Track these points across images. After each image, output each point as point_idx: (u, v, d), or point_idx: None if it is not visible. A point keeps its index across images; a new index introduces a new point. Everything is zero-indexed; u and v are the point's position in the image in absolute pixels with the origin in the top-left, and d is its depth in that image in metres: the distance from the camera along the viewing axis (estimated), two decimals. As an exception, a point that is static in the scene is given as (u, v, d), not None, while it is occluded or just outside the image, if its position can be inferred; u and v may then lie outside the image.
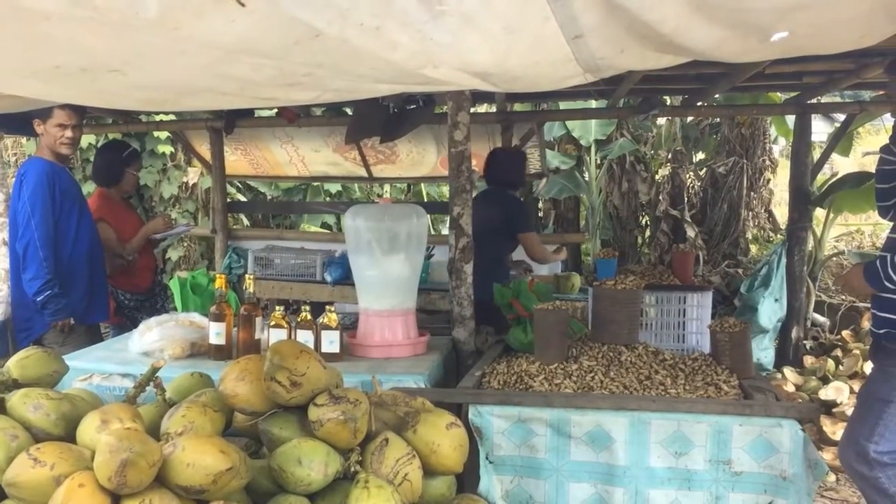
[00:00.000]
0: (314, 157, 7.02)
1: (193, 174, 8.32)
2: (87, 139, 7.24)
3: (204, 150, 6.65)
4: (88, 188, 5.98)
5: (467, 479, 2.60)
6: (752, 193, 8.01)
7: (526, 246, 4.60)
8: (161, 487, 1.87)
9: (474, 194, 3.63)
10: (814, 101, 5.57)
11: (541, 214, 9.09)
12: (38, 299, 3.69)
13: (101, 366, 3.01)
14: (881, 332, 2.80)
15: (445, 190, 10.20)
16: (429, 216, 4.97)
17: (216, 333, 3.07)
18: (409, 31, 1.32)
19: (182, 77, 1.77)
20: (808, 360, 5.80)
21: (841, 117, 6.28)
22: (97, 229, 4.11)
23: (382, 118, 4.80)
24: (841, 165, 9.84)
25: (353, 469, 2.14)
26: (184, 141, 6.80)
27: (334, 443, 2.15)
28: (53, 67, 1.63)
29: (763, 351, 5.82)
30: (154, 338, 3.08)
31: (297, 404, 2.22)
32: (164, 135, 7.72)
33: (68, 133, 3.83)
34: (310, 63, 1.56)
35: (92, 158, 5.92)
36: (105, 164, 4.57)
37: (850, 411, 4.87)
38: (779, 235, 8.30)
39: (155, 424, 2.24)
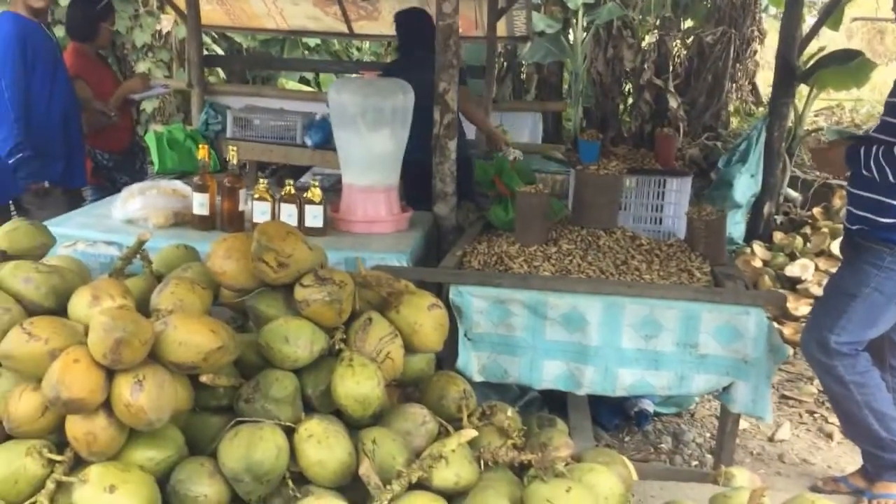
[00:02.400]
0: (293, 10, 6.78)
1: (167, 22, 8.00)
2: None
3: (178, -4, 6.39)
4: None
5: (446, 354, 2.71)
6: (737, 65, 7.91)
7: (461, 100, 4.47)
8: (154, 363, 1.93)
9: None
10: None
11: (523, 78, 8.93)
12: (10, 161, 3.63)
13: (85, 232, 3.02)
14: (854, 227, 2.86)
15: (427, 47, 9.93)
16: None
17: (200, 204, 3.08)
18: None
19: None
20: (778, 236, 5.94)
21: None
22: (73, 88, 4.01)
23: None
24: (829, 39, 9.68)
25: (337, 347, 2.22)
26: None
27: (319, 322, 2.22)
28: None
29: (735, 225, 5.94)
30: (137, 206, 3.09)
31: (284, 283, 2.27)
32: (135, -23, 7.37)
33: None
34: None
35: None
36: (78, 18, 4.38)
37: (813, 289, 5.06)
38: (761, 109, 8.27)
39: (143, 297, 2.28)
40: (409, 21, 4.52)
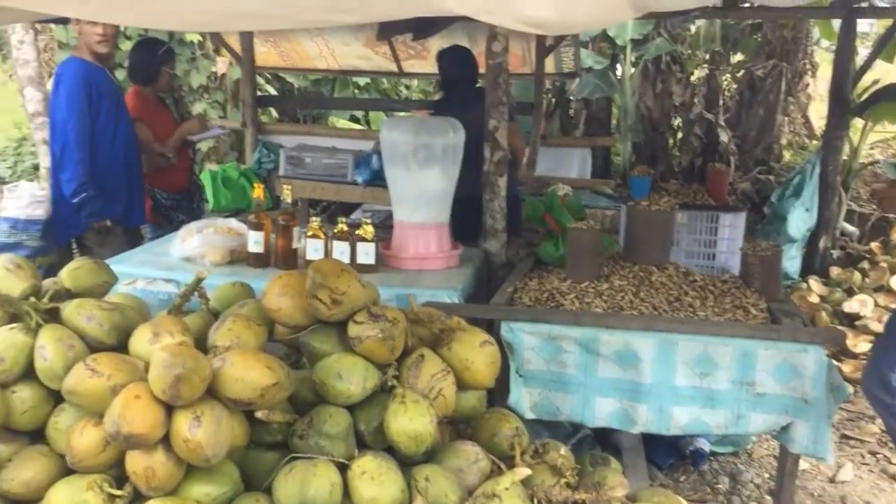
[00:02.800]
0: (344, 50, 6.92)
1: (222, 64, 8.22)
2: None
3: (233, 40, 6.56)
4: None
5: (497, 391, 2.70)
6: (789, 98, 7.81)
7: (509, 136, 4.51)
8: (212, 399, 1.96)
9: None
10: (861, 4, 5.36)
11: (572, 114, 8.94)
12: (74, 201, 3.76)
13: (144, 271, 3.10)
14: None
15: (475, 84, 10.03)
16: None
17: (255, 242, 3.15)
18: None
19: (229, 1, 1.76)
20: (835, 271, 5.81)
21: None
22: (134, 129, 4.13)
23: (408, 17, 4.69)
24: (884, 72, 9.52)
25: (390, 383, 2.23)
26: (204, 31, 6.69)
27: (372, 358, 2.24)
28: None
29: (790, 260, 5.82)
30: (195, 244, 3.16)
31: (337, 320, 2.30)
32: (193, 23, 7.59)
33: (99, 29, 3.80)
34: (363, -4, 1.54)
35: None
36: (140, 63, 4.53)
37: (872, 325, 4.93)
38: (814, 142, 8.15)
39: (201, 334, 2.33)
40: (451, 59, 4.59)
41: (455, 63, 4.53)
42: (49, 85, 5.23)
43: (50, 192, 3.98)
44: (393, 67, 7.13)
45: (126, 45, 6.35)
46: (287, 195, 3.19)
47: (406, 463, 2.14)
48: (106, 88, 3.89)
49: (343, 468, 2.04)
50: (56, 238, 4.00)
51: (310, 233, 3.11)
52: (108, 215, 3.88)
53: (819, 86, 8.43)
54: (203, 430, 1.86)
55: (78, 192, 3.74)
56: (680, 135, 8.17)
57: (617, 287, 2.96)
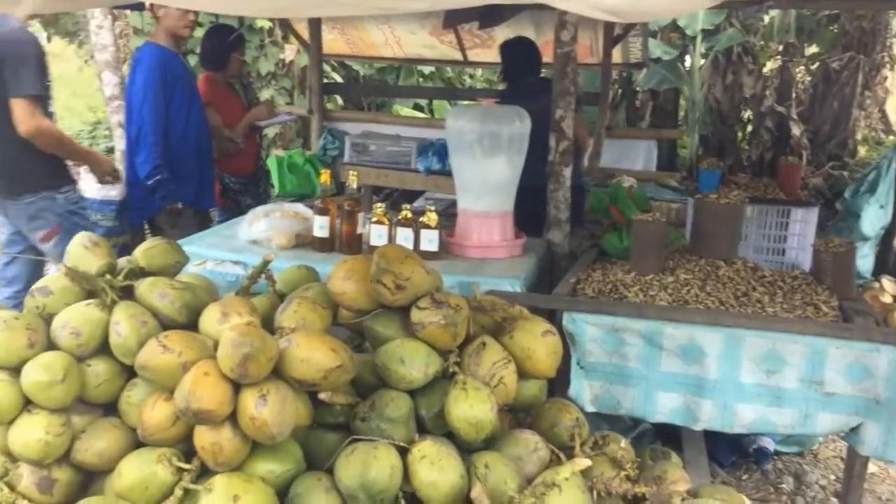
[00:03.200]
0: (410, 38, 6.94)
1: (290, 51, 8.34)
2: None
3: (301, 27, 6.64)
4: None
5: (558, 382, 2.69)
6: (865, 91, 7.58)
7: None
8: (277, 379, 2.00)
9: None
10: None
11: (638, 106, 8.83)
12: (149, 183, 3.85)
13: (213, 252, 3.17)
14: None
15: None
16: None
17: (320, 227, 3.19)
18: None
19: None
20: (909, 271, 5.62)
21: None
22: (205, 114, 4.22)
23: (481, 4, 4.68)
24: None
25: (451, 370, 2.24)
26: (282, 17, 6.78)
27: (435, 344, 2.25)
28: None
29: (862, 259, 5.66)
30: (262, 227, 3.22)
31: (401, 305, 2.31)
32: (263, 10, 7.71)
33: (191, 16, 3.91)
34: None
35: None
36: (212, 49, 4.63)
37: (948, 328, 4.75)
38: (890, 137, 7.89)
39: (267, 315, 2.38)
40: (515, 49, 4.57)
41: (519, 54, 4.51)
42: (125, 69, 5.39)
43: (126, 175, 4.09)
44: (458, 56, 7.13)
45: (198, 32, 6.49)
46: (353, 181, 3.22)
47: (465, 449, 2.15)
48: (180, 73, 3.98)
49: (403, 452, 2.05)
50: (130, 219, 4.11)
51: (374, 219, 3.14)
52: (179, 198, 3.98)
53: (898, 80, 8.16)
54: (269, 409, 1.90)
55: (152, 174, 3.84)
56: (749, 128, 8.00)
57: (682, 280, 2.92)
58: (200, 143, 4.14)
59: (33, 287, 2.26)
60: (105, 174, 3.78)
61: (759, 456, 3.49)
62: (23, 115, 3.38)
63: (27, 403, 2.06)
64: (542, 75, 4.80)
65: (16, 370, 2.07)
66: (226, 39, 4.60)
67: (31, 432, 2.01)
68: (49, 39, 17.58)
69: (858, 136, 7.78)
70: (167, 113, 3.90)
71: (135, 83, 3.86)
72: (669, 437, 3.33)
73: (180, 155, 3.99)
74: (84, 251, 2.32)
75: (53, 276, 2.30)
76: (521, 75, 4.40)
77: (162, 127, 3.87)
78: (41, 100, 3.45)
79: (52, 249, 3.57)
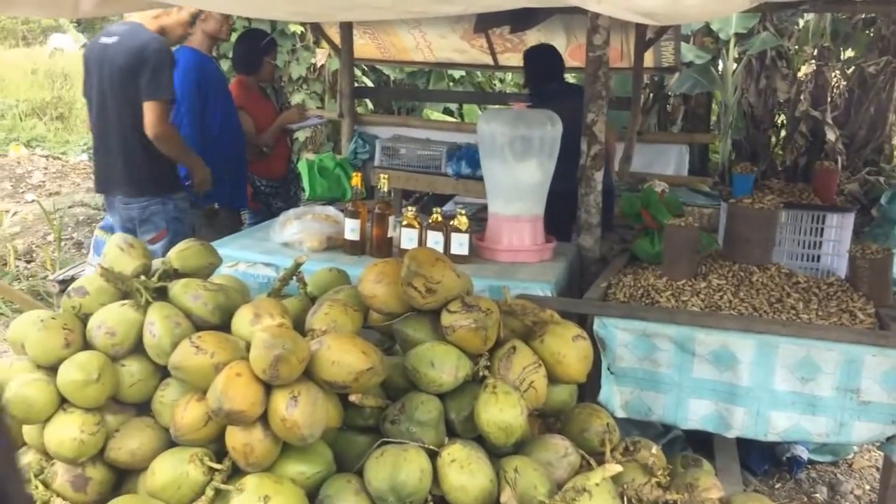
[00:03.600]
0: (441, 42, 6.95)
1: (321, 55, 8.39)
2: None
3: (333, 32, 6.68)
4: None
5: (588, 387, 2.67)
6: (903, 96, 7.45)
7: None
8: (308, 381, 2.02)
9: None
10: None
11: (669, 110, 8.76)
12: (187, 183, 3.91)
13: (246, 254, 3.20)
14: None
15: (570, 78, 9.92)
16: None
17: (351, 230, 3.20)
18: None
19: (338, -8, 1.80)
20: (947, 279, 5.51)
21: None
22: (238, 117, 4.27)
23: (514, 7, 4.68)
24: None
25: (481, 374, 2.24)
26: (313, 22, 6.83)
27: (465, 348, 2.25)
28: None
29: (898, 266, 5.57)
30: (294, 230, 3.24)
31: (431, 309, 2.32)
32: (295, 15, 7.78)
33: (230, 20, 3.98)
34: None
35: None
36: (244, 53, 4.68)
37: None
38: (928, 143, 7.75)
39: (298, 317, 2.40)
40: (537, 57, 4.57)
41: (541, 60, 4.52)
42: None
43: None
44: (489, 60, 7.12)
45: (232, 37, 6.57)
46: (384, 184, 3.23)
47: (495, 454, 2.14)
48: (214, 77, 4.05)
49: (433, 455, 2.06)
50: None
51: (405, 222, 3.15)
52: (216, 199, 4.04)
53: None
54: (300, 410, 1.91)
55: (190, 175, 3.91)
56: (783, 133, 7.90)
57: (715, 286, 2.89)
58: (235, 144, 4.20)
59: (70, 287, 2.29)
60: (202, 183, 3.88)
61: (793, 465, 3.44)
62: (154, 119, 3.55)
63: (63, 402, 2.10)
64: (567, 80, 4.78)
65: (52, 369, 2.10)
66: (258, 44, 4.64)
67: (66, 431, 2.04)
68: (83, 45, 17.91)
69: (895, 142, 7.65)
70: (203, 115, 3.96)
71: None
72: (701, 444, 3.29)
73: (217, 156, 4.05)
74: (119, 252, 2.36)
75: (90, 276, 2.34)
76: (545, 81, 4.40)
77: (199, 128, 3.93)
78: (170, 105, 3.64)
79: (157, 252, 3.68)
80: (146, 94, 3.53)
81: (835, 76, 7.78)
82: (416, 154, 5.41)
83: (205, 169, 3.84)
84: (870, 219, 6.14)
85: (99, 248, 4.03)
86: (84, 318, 2.22)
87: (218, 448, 2.06)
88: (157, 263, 2.42)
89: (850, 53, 8.16)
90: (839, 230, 3.18)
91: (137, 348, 2.20)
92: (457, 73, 9.63)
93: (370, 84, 9.14)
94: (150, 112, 3.52)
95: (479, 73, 9.91)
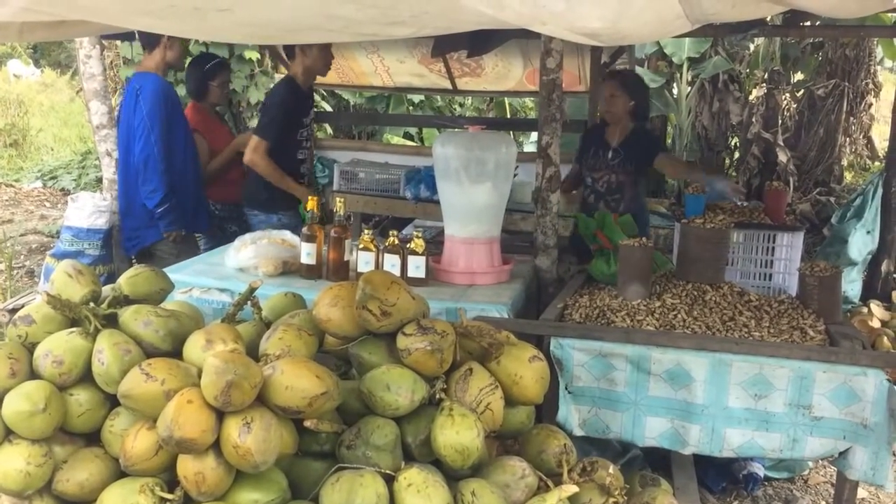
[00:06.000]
0: (399, 67, 6.99)
1: (280, 81, 8.38)
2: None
3: (291, 58, 6.69)
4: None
5: (546, 407, 2.68)
6: (851, 118, 7.67)
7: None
8: (261, 406, 1.99)
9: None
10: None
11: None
12: (159, 211, 3.90)
13: (199, 280, 3.16)
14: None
15: (529, 102, 10.04)
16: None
17: (307, 254, 3.18)
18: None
19: (288, 16, 1.80)
20: (897, 296, 5.64)
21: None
22: (194, 141, 4.25)
23: (470, 33, 4.72)
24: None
25: (437, 396, 2.23)
26: (271, 48, 6.83)
27: (421, 371, 2.24)
28: (168, 6, 1.68)
29: (850, 283, 5.67)
30: (249, 255, 3.21)
31: (387, 332, 2.31)
32: (252, 41, 7.78)
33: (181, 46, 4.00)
34: (415, 9, 1.56)
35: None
36: (191, 79, 4.68)
37: (937, 352, 4.76)
38: (876, 163, 7.96)
39: (253, 343, 2.37)
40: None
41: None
42: (115, 100, 5.40)
43: (119, 206, 4.10)
44: (447, 85, 7.17)
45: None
46: (340, 208, 3.22)
47: (452, 477, 2.13)
48: (176, 102, 4.03)
49: (389, 480, 2.04)
50: (125, 249, 4.13)
51: (361, 245, 3.14)
52: (182, 225, 4.01)
53: (882, 107, 8.25)
54: (253, 437, 1.89)
55: (163, 202, 3.91)
56: (737, 155, 8.06)
57: (669, 305, 2.92)
58: (195, 169, 4.19)
59: (15, 316, 2.24)
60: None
61: (749, 482, 3.47)
62: (248, 147, 4.08)
63: (8, 433, 2.04)
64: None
65: (-3, 399, 2.05)
66: (202, 70, 4.64)
67: (12, 463, 1.99)
68: (41, 69, 17.70)
69: (844, 163, 7.86)
70: (170, 140, 3.93)
71: (139, 112, 3.88)
72: (659, 463, 3.31)
73: (182, 182, 4.04)
74: (68, 279, 2.31)
75: (36, 304, 2.29)
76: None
77: (168, 155, 3.91)
78: (265, 141, 4.06)
79: None
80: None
81: (785, 99, 7.99)
82: (374, 178, 5.42)
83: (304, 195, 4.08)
84: (822, 238, 6.27)
85: (49, 275, 3.96)
86: (30, 347, 2.17)
87: (169, 477, 2.02)
88: (106, 290, 2.38)
89: (799, 77, 8.38)
90: (789, 249, 3.24)
91: (86, 377, 2.15)
92: (416, 98, 9.68)
93: (329, 109, 9.14)
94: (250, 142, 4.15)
95: (438, 97, 9.98)
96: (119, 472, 2.06)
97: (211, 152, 4.58)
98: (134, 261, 4.15)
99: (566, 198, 4.50)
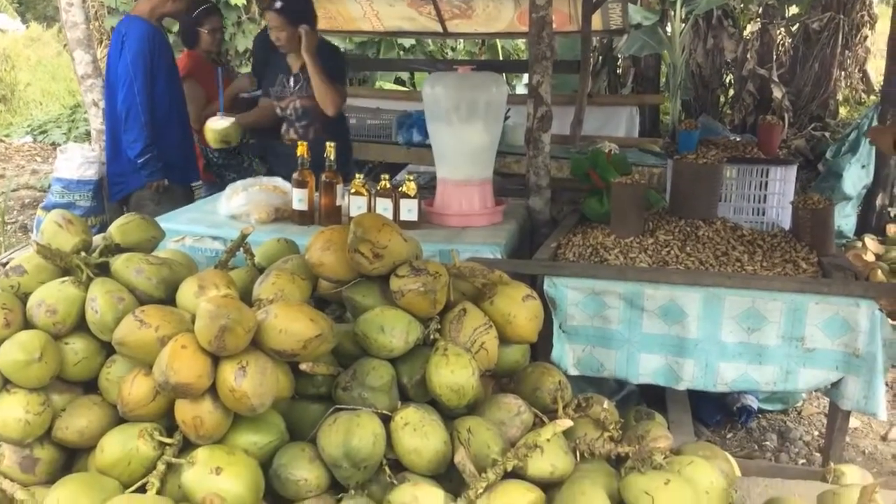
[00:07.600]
0: (388, 11, 6.88)
1: (268, 27, 8.24)
2: None
3: (278, 3, 6.57)
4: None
5: (540, 347, 2.69)
6: (846, 52, 7.58)
7: None
8: (256, 350, 1.99)
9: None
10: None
11: (619, 72, 8.79)
12: (139, 161, 3.84)
13: (192, 228, 3.15)
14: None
15: (521, 44, 9.91)
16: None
17: (299, 199, 3.17)
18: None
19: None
20: (891, 229, 5.65)
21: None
22: (185, 89, 4.19)
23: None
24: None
25: (432, 337, 2.24)
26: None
27: (415, 312, 2.24)
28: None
29: (845, 218, 5.69)
30: (241, 202, 3.20)
31: (380, 274, 2.30)
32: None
33: None
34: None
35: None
36: (182, 27, 4.61)
37: (930, 284, 4.79)
38: (871, 97, 7.90)
39: (246, 289, 2.37)
40: None
41: None
42: (101, 51, 5.31)
43: (105, 151, 4.05)
44: (437, 28, 7.06)
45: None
46: (330, 153, 3.19)
47: (448, 416, 2.15)
48: (164, 50, 3.95)
49: (386, 420, 2.05)
50: (109, 195, 4.09)
51: (353, 190, 3.12)
52: (167, 175, 3.97)
53: (878, 40, 8.15)
54: (248, 380, 1.89)
55: (143, 152, 3.85)
56: (732, 91, 7.99)
57: (662, 242, 2.92)
58: (182, 118, 4.12)
59: (7, 266, 2.23)
60: None
61: (743, 414, 3.52)
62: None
63: (5, 383, 2.05)
64: None
65: (-8, 350, 2.05)
66: (190, 16, 4.55)
67: (11, 412, 2.00)
68: (27, 24, 17.41)
69: (839, 97, 7.80)
70: (153, 90, 3.86)
71: (123, 59, 3.80)
72: (654, 398, 3.35)
73: (167, 131, 3.99)
74: (58, 229, 2.30)
75: (27, 254, 2.28)
76: None
77: (151, 104, 3.84)
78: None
79: None
80: None
81: (780, 33, 7.88)
82: (366, 123, 5.38)
83: None
84: (817, 173, 6.26)
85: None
86: (23, 297, 2.16)
87: (168, 423, 2.03)
88: (97, 239, 2.37)
89: (794, 10, 8.26)
90: (782, 183, 3.23)
91: (80, 326, 2.15)
92: (407, 42, 9.55)
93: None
94: None
95: (429, 41, 9.84)
96: (118, 419, 2.07)
97: (207, 98, 4.53)
98: (125, 210, 4.13)
99: None
